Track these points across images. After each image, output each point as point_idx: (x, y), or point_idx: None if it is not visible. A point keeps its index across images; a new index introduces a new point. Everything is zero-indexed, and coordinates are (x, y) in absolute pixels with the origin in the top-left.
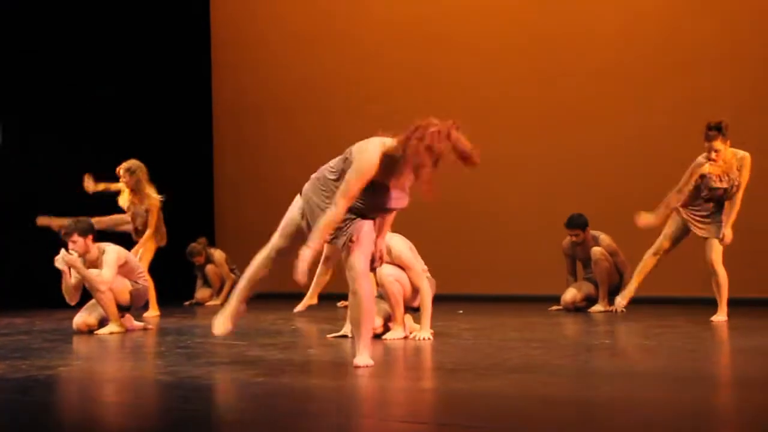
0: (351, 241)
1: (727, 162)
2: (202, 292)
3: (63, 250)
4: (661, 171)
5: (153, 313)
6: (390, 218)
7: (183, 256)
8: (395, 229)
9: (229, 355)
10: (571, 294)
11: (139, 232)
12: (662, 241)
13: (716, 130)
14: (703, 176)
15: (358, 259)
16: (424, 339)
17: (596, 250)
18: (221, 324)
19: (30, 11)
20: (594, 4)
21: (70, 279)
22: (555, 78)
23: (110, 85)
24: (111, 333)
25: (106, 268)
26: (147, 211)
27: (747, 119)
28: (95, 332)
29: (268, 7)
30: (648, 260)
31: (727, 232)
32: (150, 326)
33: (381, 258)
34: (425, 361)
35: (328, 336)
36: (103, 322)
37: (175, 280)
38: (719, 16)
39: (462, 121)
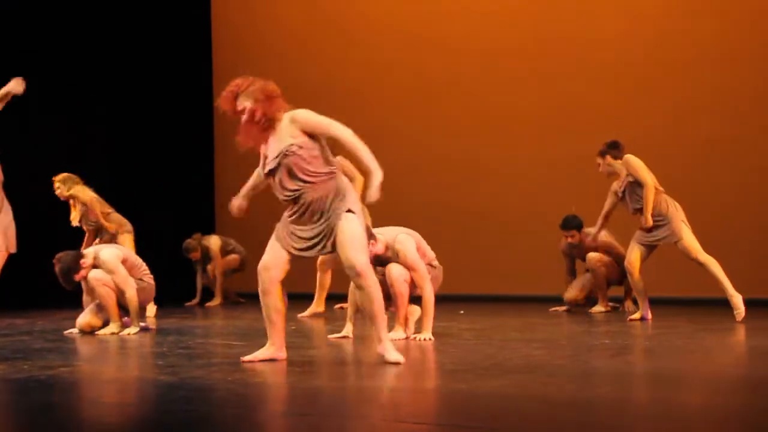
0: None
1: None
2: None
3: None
4: (662, 171)
5: (151, 307)
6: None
7: (183, 256)
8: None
9: (230, 355)
10: (574, 291)
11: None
12: (635, 263)
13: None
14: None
15: (356, 256)
16: (425, 340)
17: (592, 258)
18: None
19: (31, 12)
20: (593, 5)
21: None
22: (555, 79)
23: (111, 86)
24: (112, 333)
25: (117, 279)
26: (88, 212)
27: (747, 119)
28: (96, 332)
29: (268, 8)
30: (637, 280)
31: (648, 218)
32: (151, 327)
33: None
34: (425, 361)
35: (329, 337)
36: (106, 323)
37: (175, 279)
38: (719, 16)
39: (462, 122)
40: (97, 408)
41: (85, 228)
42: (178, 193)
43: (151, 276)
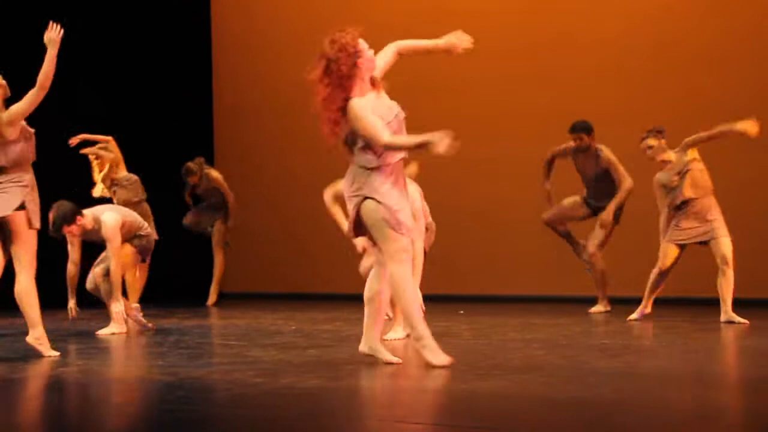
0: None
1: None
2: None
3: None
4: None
5: (133, 303)
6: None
7: (186, 257)
8: None
9: (230, 355)
10: (570, 204)
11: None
12: (669, 264)
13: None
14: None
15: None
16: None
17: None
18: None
19: (31, 12)
20: (593, 5)
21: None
22: (555, 79)
23: (111, 86)
24: (112, 334)
25: (110, 247)
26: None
27: (747, 119)
28: (96, 333)
29: (268, 7)
30: (656, 279)
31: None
32: (151, 325)
33: None
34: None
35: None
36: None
37: (175, 279)
38: (719, 16)
39: (463, 122)
40: (97, 408)
41: (115, 198)
42: (178, 195)
43: (148, 226)
